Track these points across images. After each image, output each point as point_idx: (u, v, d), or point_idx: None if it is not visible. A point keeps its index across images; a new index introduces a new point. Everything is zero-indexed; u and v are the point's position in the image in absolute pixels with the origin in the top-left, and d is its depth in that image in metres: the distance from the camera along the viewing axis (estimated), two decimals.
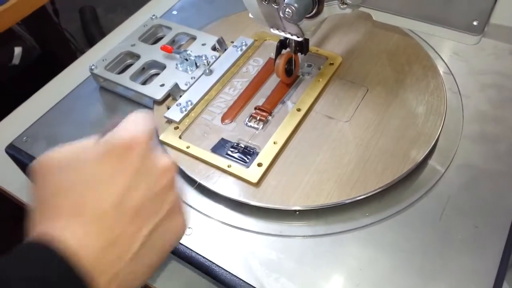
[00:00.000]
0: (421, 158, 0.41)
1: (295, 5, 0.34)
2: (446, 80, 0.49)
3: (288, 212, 0.40)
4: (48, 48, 1.26)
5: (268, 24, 0.44)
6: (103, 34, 1.82)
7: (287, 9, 0.35)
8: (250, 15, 0.44)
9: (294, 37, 0.43)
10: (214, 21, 0.60)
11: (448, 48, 0.54)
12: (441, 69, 0.50)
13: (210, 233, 0.39)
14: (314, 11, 0.37)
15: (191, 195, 0.42)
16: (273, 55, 0.50)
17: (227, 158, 0.43)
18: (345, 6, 0.35)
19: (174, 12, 0.64)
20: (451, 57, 0.52)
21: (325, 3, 0.36)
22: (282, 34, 0.44)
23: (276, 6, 0.39)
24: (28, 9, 0.87)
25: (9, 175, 0.58)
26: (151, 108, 0.49)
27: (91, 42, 1.74)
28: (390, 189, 0.41)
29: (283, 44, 0.47)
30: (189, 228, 0.40)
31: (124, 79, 0.50)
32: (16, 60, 1.36)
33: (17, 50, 1.34)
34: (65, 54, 1.26)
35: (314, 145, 0.44)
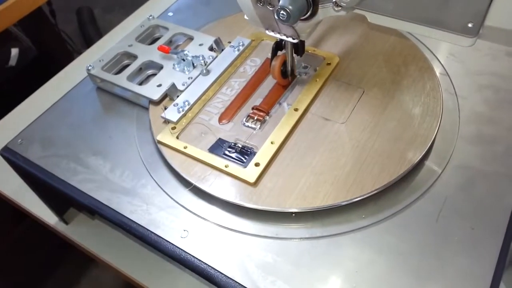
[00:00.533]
0: (418, 159, 0.41)
1: (290, 7, 0.34)
2: (443, 81, 0.49)
3: (285, 214, 0.40)
4: (45, 49, 1.26)
5: (264, 26, 0.43)
6: (100, 35, 1.81)
7: (282, 11, 0.35)
8: (245, 17, 0.44)
9: (290, 39, 0.43)
10: (210, 22, 0.60)
11: (444, 49, 0.54)
12: (438, 70, 0.50)
13: (205, 236, 0.39)
14: (308, 13, 0.37)
15: (186, 197, 0.42)
16: (270, 55, 0.50)
17: (225, 158, 0.43)
18: (340, 8, 0.35)
19: (170, 14, 0.64)
20: (448, 58, 0.52)
21: (319, 5, 0.36)
22: (278, 36, 0.44)
23: (271, 8, 0.39)
24: (25, 10, 0.86)
25: (4, 177, 0.58)
26: (147, 108, 0.49)
27: (89, 43, 1.73)
28: (387, 191, 0.40)
29: (278, 45, 0.47)
30: (184, 230, 0.40)
31: (121, 80, 0.50)
32: (12, 62, 1.35)
33: (14, 51, 1.33)
34: (62, 56, 1.26)
35: (310, 147, 0.44)
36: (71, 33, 1.57)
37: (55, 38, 1.24)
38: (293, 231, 0.39)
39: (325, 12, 0.37)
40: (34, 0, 0.89)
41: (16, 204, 0.60)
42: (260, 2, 0.39)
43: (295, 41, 0.42)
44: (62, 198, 0.55)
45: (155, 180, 0.44)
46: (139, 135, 0.48)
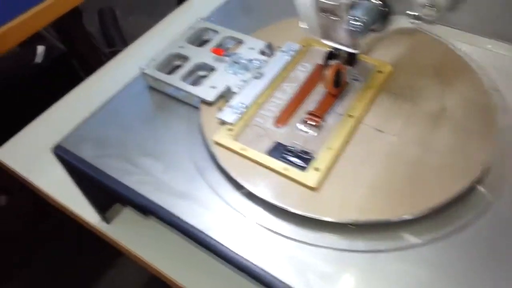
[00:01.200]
0: (474, 178, 0.41)
1: (364, 18, 0.34)
2: (496, 98, 0.49)
3: (343, 225, 0.40)
4: (73, 47, 1.26)
5: (321, 35, 0.44)
6: (122, 36, 1.82)
7: (356, 22, 0.35)
8: (302, 25, 0.44)
9: (348, 49, 0.43)
10: (251, 31, 0.59)
11: (492, 64, 0.53)
12: (489, 86, 0.50)
13: (262, 243, 0.39)
14: (380, 25, 0.37)
15: (241, 202, 0.42)
16: (321, 61, 0.50)
17: (283, 161, 0.43)
18: (419, 22, 0.35)
19: (212, 19, 0.64)
20: (497, 74, 0.52)
21: (393, 16, 0.36)
22: (335, 45, 0.44)
23: (334, 18, 0.39)
24: (63, 9, 0.87)
25: (43, 173, 0.59)
26: (197, 109, 0.50)
27: (110, 44, 1.74)
28: (444, 209, 0.40)
29: (331, 55, 0.47)
30: (240, 236, 0.39)
31: (175, 80, 0.51)
32: (38, 59, 1.37)
33: (40, 49, 1.35)
34: (89, 54, 1.27)
35: (364, 158, 0.43)
36: (93, 33, 1.59)
37: (84, 37, 1.25)
38: (351, 243, 0.39)
39: (398, 23, 0.37)
40: (69, 1, 0.89)
41: (53, 200, 0.60)
42: (324, 12, 0.40)
43: (354, 51, 0.42)
44: (108, 198, 0.55)
45: (207, 183, 0.44)
46: (190, 136, 0.48)
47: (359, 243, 0.39)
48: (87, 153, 0.47)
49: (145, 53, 0.76)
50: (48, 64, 1.33)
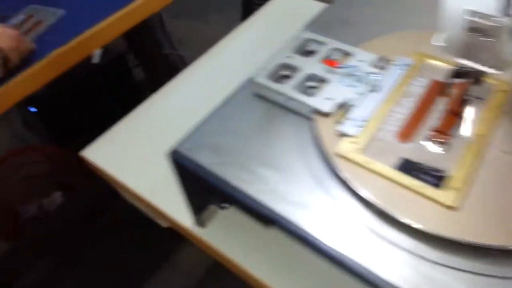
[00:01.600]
0: None
1: None
2: None
3: (480, 248, 0.38)
4: (136, 43, 1.28)
5: (459, 54, 0.42)
6: (169, 40, 1.84)
7: None
8: (436, 43, 0.43)
9: (490, 70, 0.41)
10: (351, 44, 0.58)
11: None
12: None
13: (393, 260, 0.38)
14: None
15: (368, 218, 0.41)
16: (437, 77, 0.49)
17: (415, 178, 0.41)
18: None
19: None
20: None
21: None
22: (474, 65, 0.42)
23: (485, 39, 0.38)
24: (146, 13, 0.88)
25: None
26: (310, 119, 0.49)
27: (157, 47, 1.76)
28: None
29: (460, 73, 0.46)
30: (368, 253, 0.38)
31: (288, 89, 0.50)
32: (95, 59, 1.39)
33: (98, 49, 1.37)
34: (153, 52, 1.29)
35: (496, 179, 0.42)
36: None
37: (148, 34, 1.27)
38: (495, 269, 0.37)
39: None
40: (147, 8, 0.90)
41: (142, 199, 0.61)
42: (474, 32, 0.38)
43: (498, 72, 0.41)
44: (204, 202, 0.55)
45: (328, 195, 0.43)
46: (302, 146, 0.47)
47: (500, 269, 0.37)
48: (205, 160, 0.46)
49: (223, 62, 0.77)
50: (105, 64, 1.36)
